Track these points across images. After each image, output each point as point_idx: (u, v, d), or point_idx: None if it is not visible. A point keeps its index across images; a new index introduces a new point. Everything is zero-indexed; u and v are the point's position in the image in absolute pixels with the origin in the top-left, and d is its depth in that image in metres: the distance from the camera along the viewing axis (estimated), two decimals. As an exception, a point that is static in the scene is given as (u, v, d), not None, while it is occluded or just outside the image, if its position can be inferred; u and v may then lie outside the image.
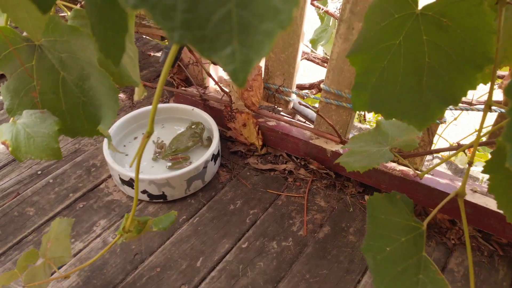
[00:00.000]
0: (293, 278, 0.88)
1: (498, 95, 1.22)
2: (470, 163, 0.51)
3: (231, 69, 0.24)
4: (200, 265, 0.90)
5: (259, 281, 0.88)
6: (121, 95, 1.42)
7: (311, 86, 1.41)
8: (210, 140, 1.16)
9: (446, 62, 0.46)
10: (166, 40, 1.61)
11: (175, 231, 0.98)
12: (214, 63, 1.25)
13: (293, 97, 1.16)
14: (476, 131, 1.60)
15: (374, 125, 0.84)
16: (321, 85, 1.04)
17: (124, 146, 1.16)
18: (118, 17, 0.35)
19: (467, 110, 0.93)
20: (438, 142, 1.51)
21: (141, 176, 0.99)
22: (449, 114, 1.62)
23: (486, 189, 0.85)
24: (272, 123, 1.16)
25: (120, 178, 1.02)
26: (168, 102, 1.35)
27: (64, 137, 1.19)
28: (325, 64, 1.31)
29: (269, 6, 0.22)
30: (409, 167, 0.84)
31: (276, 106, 1.22)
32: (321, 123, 1.11)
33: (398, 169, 0.99)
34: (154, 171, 1.09)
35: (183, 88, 1.34)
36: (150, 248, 0.94)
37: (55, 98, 0.59)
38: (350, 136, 1.10)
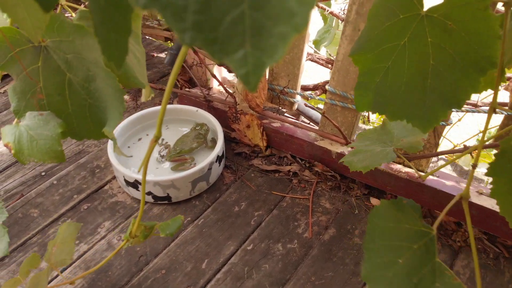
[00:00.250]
0: (299, 281, 0.88)
1: (504, 97, 1.22)
2: (474, 166, 0.51)
3: (242, 72, 0.23)
4: (205, 267, 0.90)
5: (264, 283, 0.87)
6: (125, 96, 1.42)
7: (315, 87, 1.41)
8: (214, 141, 1.16)
9: (450, 65, 0.45)
10: (170, 41, 1.61)
11: (180, 232, 0.97)
12: (224, 65, 1.24)
13: (298, 98, 1.16)
14: (480, 132, 1.59)
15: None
16: (326, 87, 1.04)
17: (129, 147, 1.16)
18: (121, 19, 0.35)
19: (472, 112, 0.93)
20: (442, 143, 1.50)
21: (146, 177, 0.98)
22: (453, 115, 1.61)
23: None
24: (276, 124, 1.16)
25: (125, 180, 1.01)
26: (172, 103, 1.35)
27: (68, 138, 1.19)
28: (329, 65, 1.30)
29: (284, 9, 0.22)
30: (413, 169, 0.83)
31: (280, 108, 1.21)
32: (326, 125, 1.10)
33: (403, 171, 0.99)
34: (159, 173, 1.09)
35: (187, 89, 1.34)
36: (155, 250, 0.93)
37: (61, 100, 0.58)
38: (355, 137, 1.09)
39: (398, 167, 1.00)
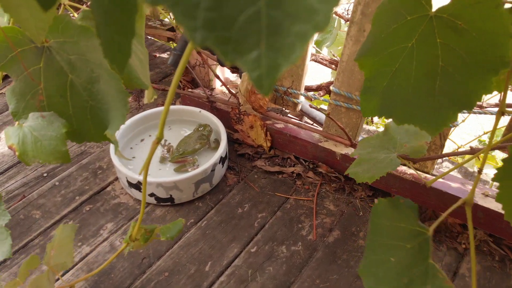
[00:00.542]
0: (303, 283, 0.87)
1: (510, 98, 1.20)
2: (480, 171, 0.50)
3: (255, 75, 0.22)
4: (209, 270, 0.89)
5: (268, 286, 0.86)
6: (127, 97, 1.41)
7: (318, 88, 1.40)
8: (217, 142, 1.15)
9: (461, 65, 0.44)
10: (172, 42, 1.60)
11: (183, 234, 0.96)
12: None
13: (302, 99, 1.15)
14: (485, 133, 1.58)
15: (382, 127, 0.82)
16: (331, 87, 1.03)
17: (131, 148, 1.15)
18: (126, 20, 0.33)
19: (479, 113, 0.92)
20: (446, 144, 1.49)
21: (148, 179, 0.98)
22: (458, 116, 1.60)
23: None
24: (280, 125, 1.15)
25: (128, 181, 1.01)
26: (174, 104, 1.34)
27: (70, 139, 1.18)
28: (333, 66, 1.30)
29: (304, 6, 0.20)
30: (418, 173, 0.82)
31: (284, 108, 1.21)
32: (330, 126, 1.09)
33: (409, 172, 0.98)
34: (162, 174, 1.08)
35: (189, 89, 1.33)
36: (158, 252, 0.92)
37: (62, 101, 0.57)
38: (359, 139, 1.08)
39: (403, 169, 0.99)
